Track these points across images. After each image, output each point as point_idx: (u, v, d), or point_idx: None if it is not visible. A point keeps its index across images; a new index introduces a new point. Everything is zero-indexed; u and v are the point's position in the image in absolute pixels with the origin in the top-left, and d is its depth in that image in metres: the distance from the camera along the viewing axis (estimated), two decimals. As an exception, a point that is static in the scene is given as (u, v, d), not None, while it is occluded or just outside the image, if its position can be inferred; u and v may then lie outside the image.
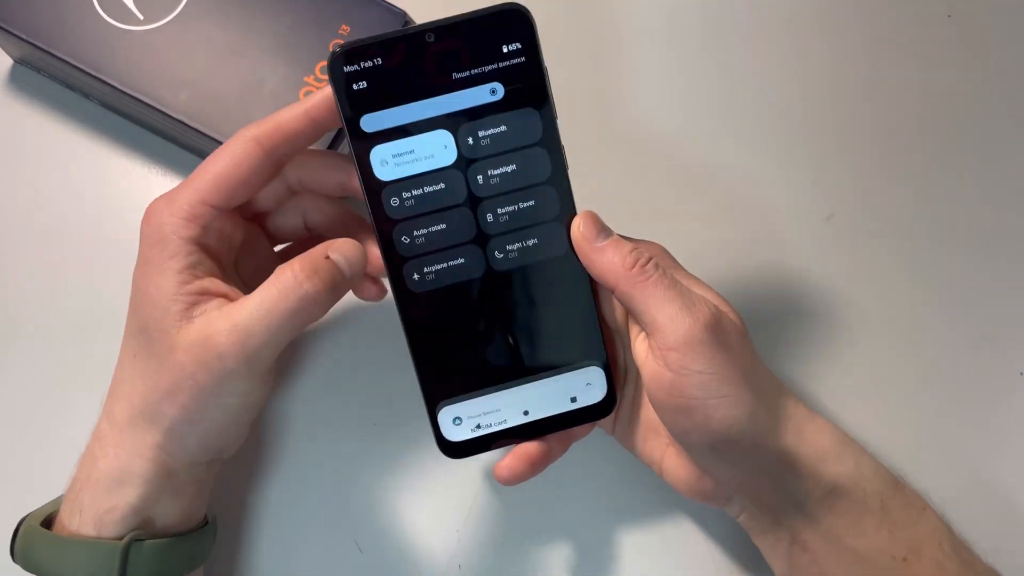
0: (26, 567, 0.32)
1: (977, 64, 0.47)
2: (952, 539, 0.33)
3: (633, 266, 0.31)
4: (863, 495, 0.32)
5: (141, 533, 0.32)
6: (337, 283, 0.31)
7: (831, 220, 0.44)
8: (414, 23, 0.42)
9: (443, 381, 0.33)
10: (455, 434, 0.34)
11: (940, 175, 0.45)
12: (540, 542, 0.40)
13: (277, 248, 0.37)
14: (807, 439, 0.32)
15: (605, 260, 0.31)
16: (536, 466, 0.34)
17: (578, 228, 0.32)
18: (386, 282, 0.33)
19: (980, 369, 0.43)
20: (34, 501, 0.34)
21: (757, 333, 0.43)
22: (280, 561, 0.39)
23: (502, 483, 0.33)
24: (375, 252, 0.32)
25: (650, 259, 0.31)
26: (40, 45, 0.40)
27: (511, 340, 0.33)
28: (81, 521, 0.31)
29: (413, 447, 0.39)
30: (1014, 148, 0.46)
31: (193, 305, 0.31)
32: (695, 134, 0.46)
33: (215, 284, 0.31)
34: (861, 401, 0.42)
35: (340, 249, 0.32)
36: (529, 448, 0.34)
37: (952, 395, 0.42)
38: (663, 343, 0.30)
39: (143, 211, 0.32)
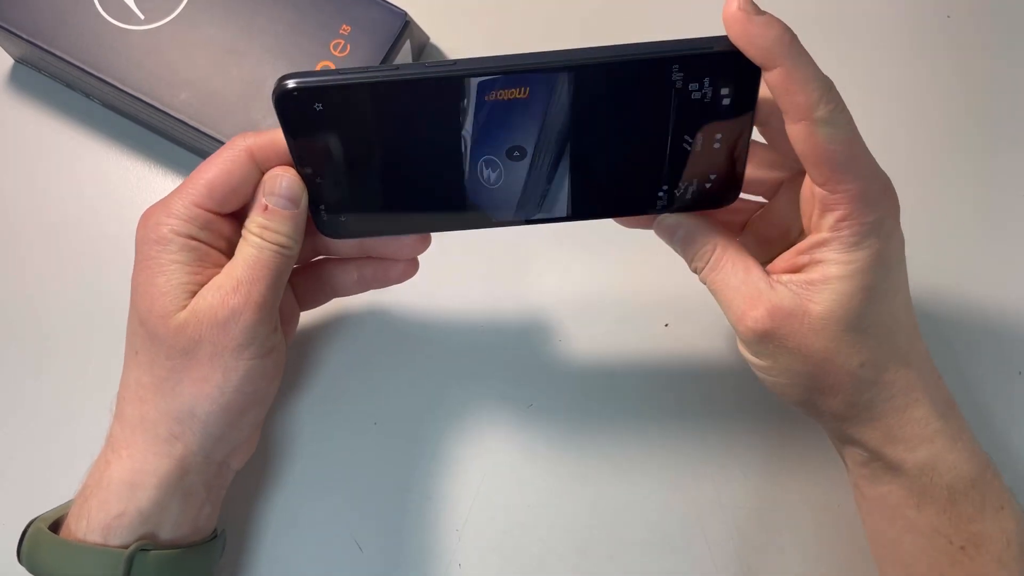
0: (30, 569, 0.32)
1: (977, 64, 0.47)
2: None
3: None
4: (928, 482, 0.31)
5: (147, 543, 0.31)
6: (287, 218, 0.32)
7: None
8: (415, 23, 0.42)
9: None
10: None
11: (940, 175, 0.45)
12: (539, 541, 0.40)
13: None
14: (893, 420, 0.31)
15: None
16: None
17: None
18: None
19: (979, 369, 0.43)
20: (28, 502, 0.34)
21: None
22: (280, 560, 0.39)
23: None
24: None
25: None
26: (41, 44, 0.40)
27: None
28: (88, 527, 0.31)
29: (413, 447, 0.39)
30: (1013, 148, 0.46)
31: (196, 293, 0.31)
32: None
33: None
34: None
35: (271, 191, 0.32)
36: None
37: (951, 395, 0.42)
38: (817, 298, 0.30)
39: (144, 210, 0.32)
